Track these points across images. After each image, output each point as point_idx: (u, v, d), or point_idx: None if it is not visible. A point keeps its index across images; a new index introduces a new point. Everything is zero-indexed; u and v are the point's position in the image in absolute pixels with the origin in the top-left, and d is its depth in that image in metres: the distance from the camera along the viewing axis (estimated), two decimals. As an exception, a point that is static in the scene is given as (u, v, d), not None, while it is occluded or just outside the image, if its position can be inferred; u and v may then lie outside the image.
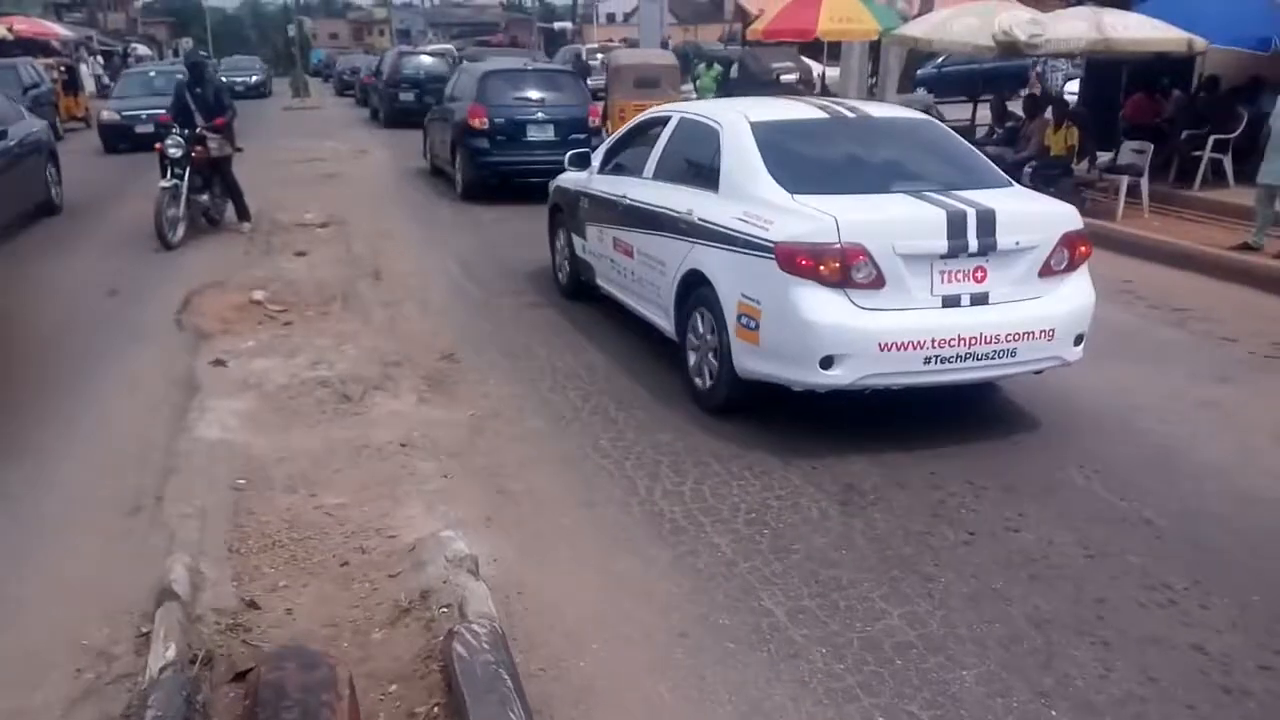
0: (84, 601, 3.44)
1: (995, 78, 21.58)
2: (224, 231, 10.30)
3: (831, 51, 20.29)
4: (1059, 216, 5.05)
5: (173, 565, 3.42)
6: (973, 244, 4.66)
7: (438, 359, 6.22)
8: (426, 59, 24.93)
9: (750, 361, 4.94)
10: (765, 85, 18.38)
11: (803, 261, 4.59)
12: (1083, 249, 5.01)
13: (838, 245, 4.55)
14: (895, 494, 4.34)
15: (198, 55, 14.18)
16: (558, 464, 4.65)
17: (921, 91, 15.15)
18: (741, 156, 5.31)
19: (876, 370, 4.66)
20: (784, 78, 18.61)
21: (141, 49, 55.41)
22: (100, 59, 37.81)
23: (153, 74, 20.84)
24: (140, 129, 17.23)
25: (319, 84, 43.53)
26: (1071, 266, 4.96)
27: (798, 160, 5.27)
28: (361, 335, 6.73)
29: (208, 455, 4.72)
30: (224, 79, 20.24)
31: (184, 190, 9.47)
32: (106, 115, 18.40)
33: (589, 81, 28.74)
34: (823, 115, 5.79)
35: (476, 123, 12.06)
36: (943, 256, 4.67)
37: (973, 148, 5.86)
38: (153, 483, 4.41)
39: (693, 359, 5.47)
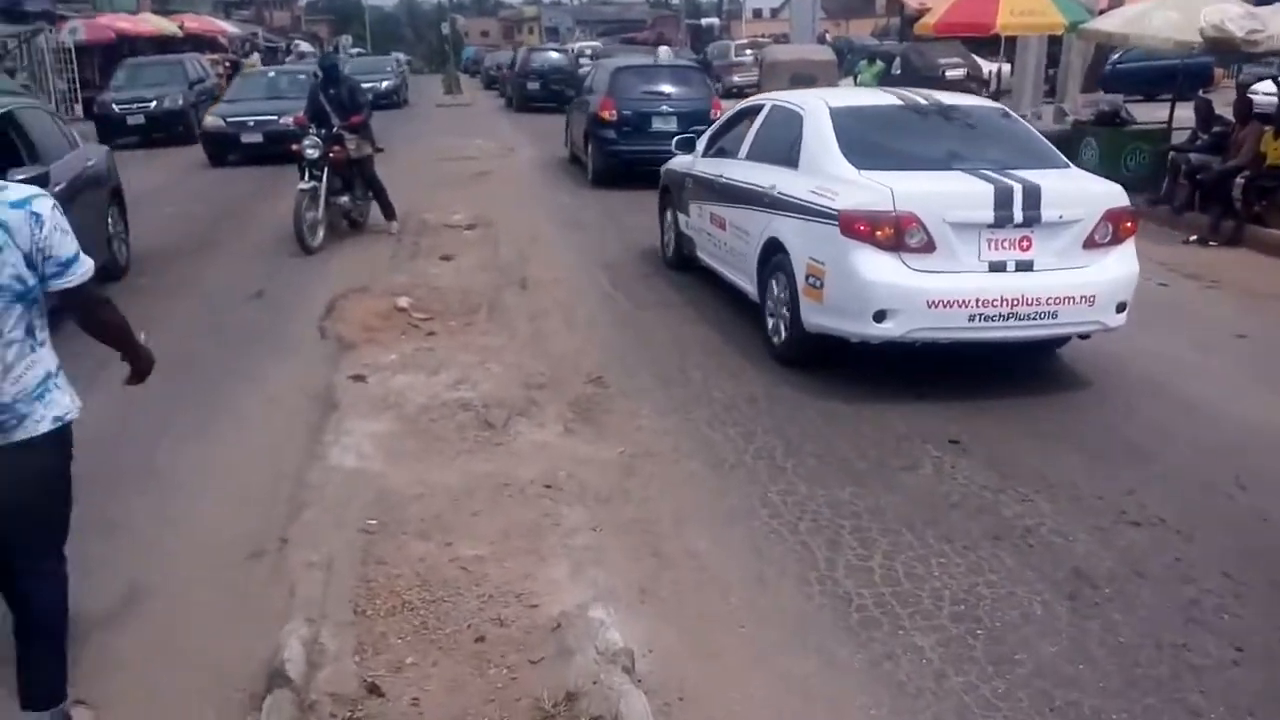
0: (189, 673, 3.06)
1: (1174, 75, 19.82)
2: (368, 234, 10.08)
3: (999, 46, 19.05)
4: (1104, 194, 5.50)
5: (287, 639, 3.00)
6: (1018, 215, 5.19)
7: (585, 381, 5.73)
8: (552, 54, 29.66)
9: (815, 316, 5.54)
10: (931, 82, 17.27)
11: (861, 227, 5.21)
12: (1127, 224, 5.46)
13: (892, 213, 5.14)
14: (1135, 587, 3.57)
15: (331, 56, 13.38)
16: (720, 521, 4.07)
17: (1103, 95, 13.89)
18: (819, 137, 5.92)
19: (925, 325, 5.20)
20: (950, 74, 17.49)
21: (304, 45, 57.68)
22: (259, 55, 39.08)
23: (271, 75, 19.50)
24: (248, 138, 15.95)
25: (468, 80, 44.12)
26: (1116, 240, 5.42)
27: (868, 141, 5.83)
28: (506, 351, 6.32)
29: (340, 488, 4.35)
30: None
31: (322, 192, 9.24)
32: (210, 122, 16.48)
33: (736, 77, 28.59)
34: (898, 103, 6.38)
35: (606, 114, 12.87)
36: (990, 226, 5.19)
37: (1036, 133, 6.33)
38: (280, 520, 4.05)
39: (770, 318, 6.10)
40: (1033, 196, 5.22)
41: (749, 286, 6.50)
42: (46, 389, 2.64)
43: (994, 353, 5.85)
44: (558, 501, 4.21)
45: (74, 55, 24.69)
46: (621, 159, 12.73)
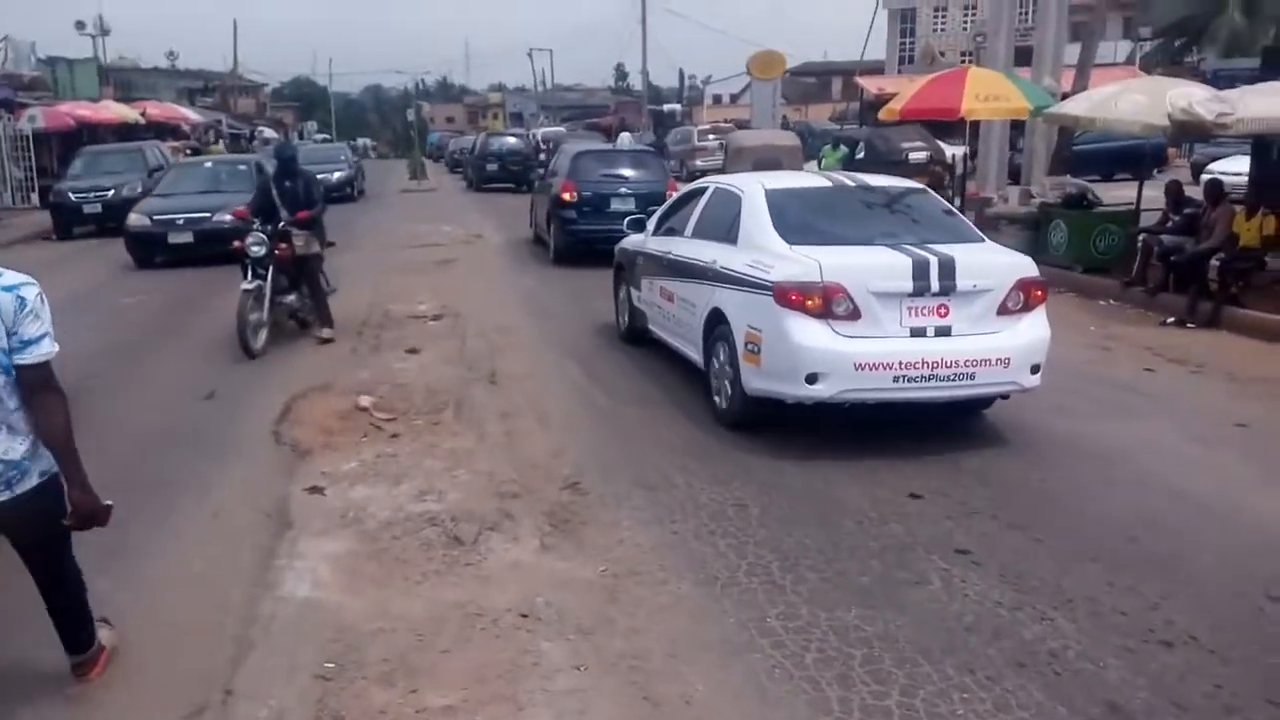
0: None
1: (1129, 156, 20.19)
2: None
3: (950, 130, 19.28)
4: (1014, 265, 6.05)
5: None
6: (935, 285, 5.66)
7: (561, 488, 5.35)
8: (509, 139, 32.30)
9: (755, 380, 5.97)
10: (894, 165, 17.35)
11: (793, 297, 5.67)
12: (1037, 292, 5.95)
13: (820, 284, 5.63)
14: (1181, 725, 3.22)
15: (289, 146, 11.85)
16: (717, 654, 3.67)
17: (1069, 177, 13.97)
18: (755, 216, 6.45)
19: (852, 386, 5.66)
20: (913, 157, 17.62)
21: (268, 132, 57.78)
22: (224, 142, 38.92)
23: (208, 165, 17.51)
24: (176, 237, 14.14)
25: (433, 166, 44.24)
26: (1027, 307, 5.90)
27: (800, 220, 6.35)
28: (476, 455, 5.93)
29: (292, 624, 3.91)
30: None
31: (267, 291, 8.61)
32: (134, 220, 14.41)
33: (699, 162, 28.86)
34: (828, 184, 7.10)
35: (567, 196, 13.61)
36: (910, 294, 5.66)
37: (953, 210, 6.94)
38: (224, 665, 3.59)
39: (714, 383, 6.56)
40: (948, 268, 5.70)
41: (695, 355, 6.96)
42: (38, 448, 3.19)
43: (928, 415, 6.25)
44: (536, 634, 3.80)
45: (31, 143, 24.36)
46: (580, 238, 13.36)
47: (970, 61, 44.39)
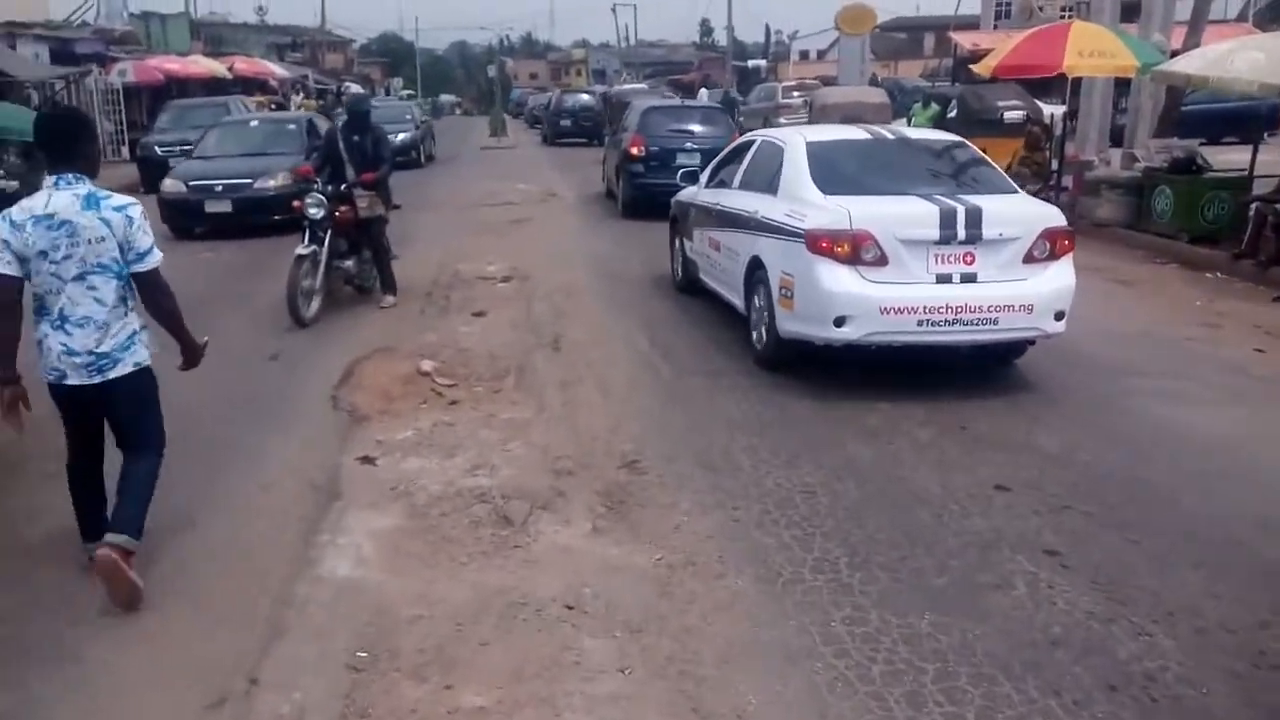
0: None
1: (1240, 118, 18.89)
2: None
3: (1048, 88, 18.27)
4: (1041, 215, 6.24)
5: None
6: (961, 234, 5.86)
7: (619, 466, 5.10)
8: (582, 97, 34.40)
9: (787, 323, 6.27)
10: (988, 125, 16.54)
11: (823, 244, 5.91)
12: (1065, 242, 6.10)
13: (850, 231, 5.86)
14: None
15: (365, 100, 11.07)
16: (776, 661, 3.38)
17: (1176, 140, 13.05)
18: (795, 167, 6.71)
19: (878, 329, 5.90)
20: (1008, 116, 16.68)
21: (355, 87, 58.14)
22: (303, 96, 39.18)
23: (253, 125, 15.92)
24: (214, 206, 12.86)
25: (514, 123, 44.11)
26: (1054, 256, 6.05)
27: (837, 171, 6.56)
28: (532, 427, 5.70)
29: (329, 607, 3.74)
30: None
31: (323, 257, 8.21)
32: (169, 186, 13.16)
33: (784, 119, 28.09)
34: (868, 137, 7.27)
35: (635, 150, 14.11)
36: (936, 242, 5.86)
37: (988, 162, 7.00)
38: (253, 650, 3.44)
39: (753, 328, 6.87)
40: (974, 217, 5.90)
41: (738, 301, 7.26)
42: (133, 343, 3.85)
43: (957, 359, 6.56)
44: (580, 629, 3.56)
45: (122, 97, 24.84)
46: (647, 191, 13.53)
47: (1072, 16, 42.36)
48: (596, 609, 3.70)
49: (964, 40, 28.85)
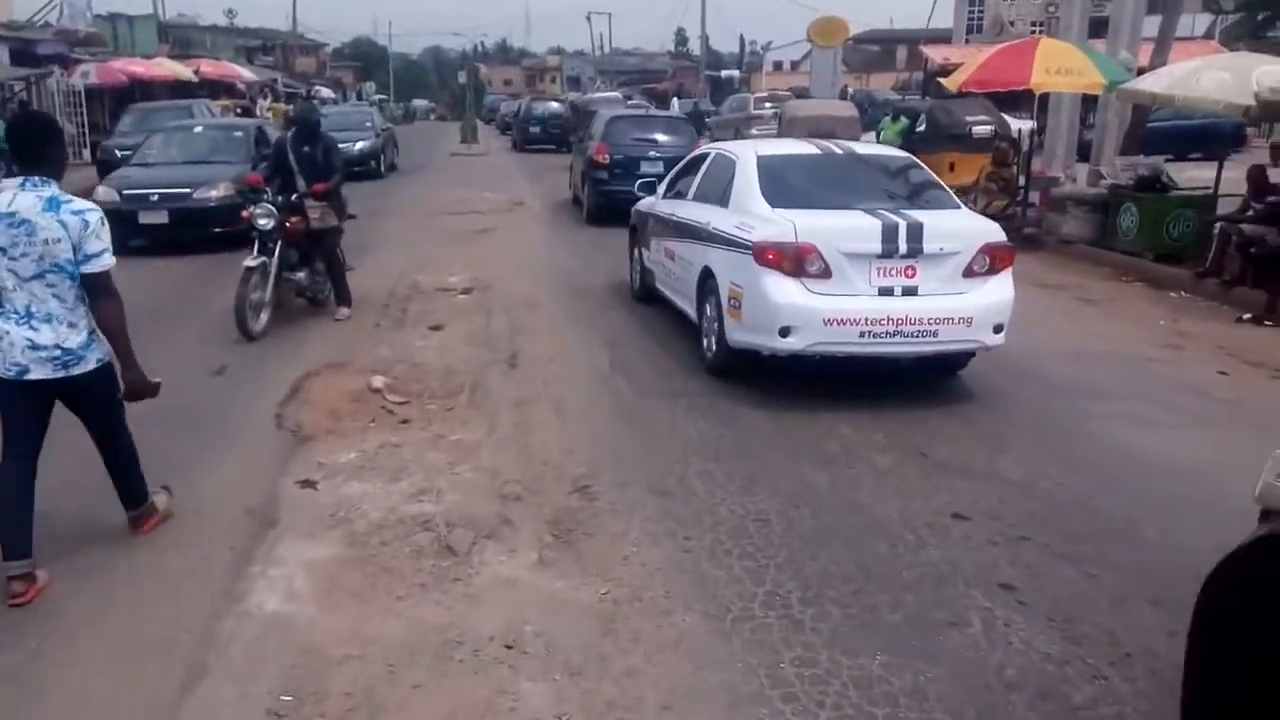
0: None
1: (1204, 136, 19.03)
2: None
3: (1015, 104, 18.33)
4: (981, 231, 6.37)
5: None
6: (903, 247, 6.00)
7: (569, 491, 4.94)
8: (551, 104, 34.95)
9: (735, 333, 6.43)
10: (956, 139, 16.59)
11: (770, 256, 6.07)
12: (1003, 256, 6.27)
13: (795, 244, 6.02)
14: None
15: (314, 110, 10.43)
16: (719, 705, 3.23)
17: (1142, 158, 13.07)
18: (746, 180, 6.85)
19: (822, 339, 6.03)
20: (976, 131, 16.72)
21: (325, 91, 57.78)
22: (270, 100, 38.72)
23: (198, 131, 14.70)
24: (148, 217, 11.76)
25: (487, 130, 43.88)
26: (993, 270, 6.20)
27: (785, 184, 6.71)
28: (482, 449, 5.53)
29: (254, 645, 3.55)
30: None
31: (273, 269, 7.96)
32: (102, 195, 11.66)
33: (755, 130, 28.09)
34: (816, 151, 7.36)
35: (600, 158, 14.44)
36: (879, 256, 6.01)
37: (933, 178, 7.11)
38: (170, 695, 3.24)
39: (704, 336, 7.02)
40: (915, 231, 6.04)
41: (691, 310, 7.40)
42: (93, 340, 4.03)
43: (901, 371, 6.69)
44: (518, 671, 3.40)
45: (84, 99, 24.40)
46: (611, 199, 13.47)
47: (1042, 32, 42.77)
48: (537, 649, 3.53)
49: (935, 54, 29.03)
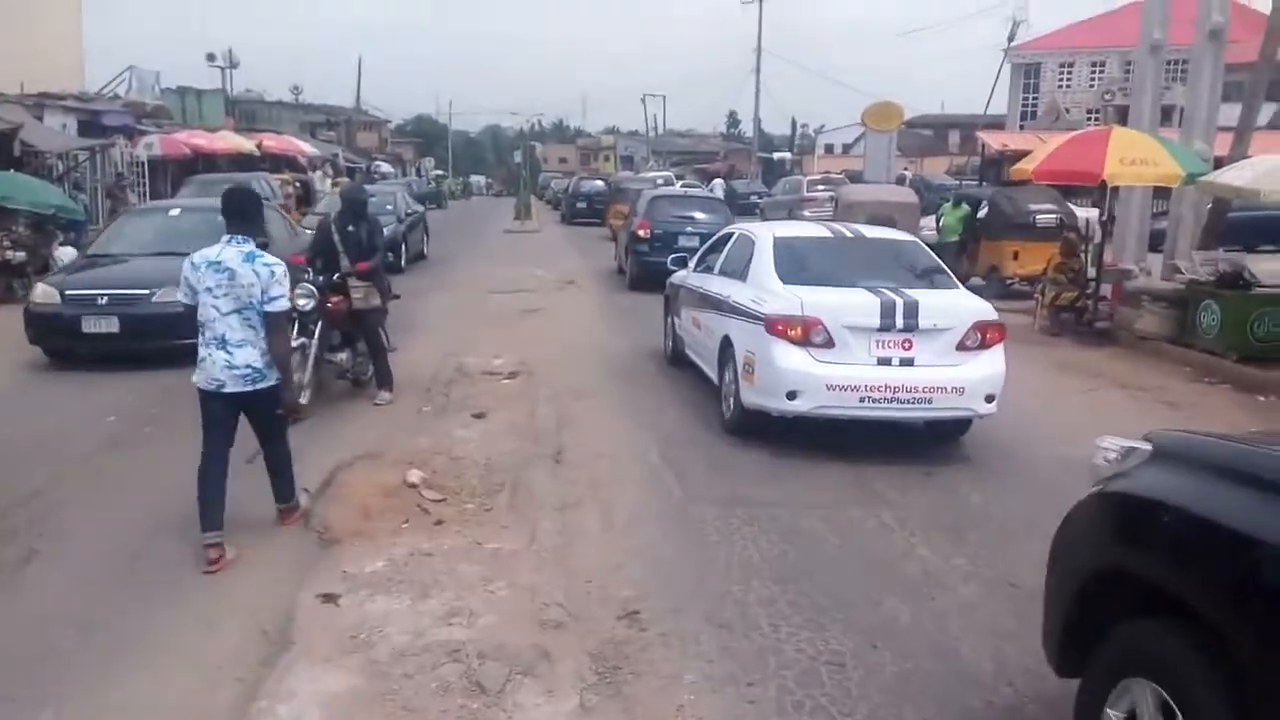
0: None
1: (1277, 227, 18.30)
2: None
3: (1074, 191, 17.79)
4: (973, 309, 6.95)
5: None
6: (899, 323, 6.59)
7: (616, 618, 4.42)
8: (596, 183, 38.62)
9: (749, 395, 7.01)
10: (1020, 229, 16.09)
11: (779, 327, 6.69)
12: (992, 333, 6.83)
13: (801, 317, 6.64)
14: None
15: (361, 190, 9.78)
16: None
17: (1221, 253, 12.46)
18: (762, 259, 7.56)
19: (825, 403, 6.61)
20: (1041, 220, 16.22)
21: (384, 166, 58.99)
22: (332, 172, 39.33)
23: (173, 214, 11.68)
24: (93, 325, 9.44)
25: (541, 206, 44.33)
26: (984, 345, 6.77)
27: (798, 263, 7.40)
28: (521, 562, 5.04)
29: (248, 809, 3.06)
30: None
31: (313, 351, 7.69)
32: (40, 295, 9.85)
33: (808, 213, 27.87)
34: (829, 234, 8.24)
35: (642, 232, 16.14)
36: (877, 329, 6.60)
37: (935, 260, 7.75)
38: None
39: (723, 399, 7.61)
40: (911, 308, 6.67)
41: (713, 374, 8.00)
42: (272, 364, 5.06)
43: (900, 434, 7.21)
44: None
45: (147, 170, 24.86)
46: (650, 268, 14.63)
47: (1097, 120, 42.37)
48: (574, 829, 3.00)
49: (993, 140, 28.66)
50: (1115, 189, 14.39)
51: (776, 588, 4.73)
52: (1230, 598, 2.47)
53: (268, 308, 4.95)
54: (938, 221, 17.42)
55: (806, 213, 27.14)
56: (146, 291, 9.55)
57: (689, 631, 4.30)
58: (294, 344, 7.42)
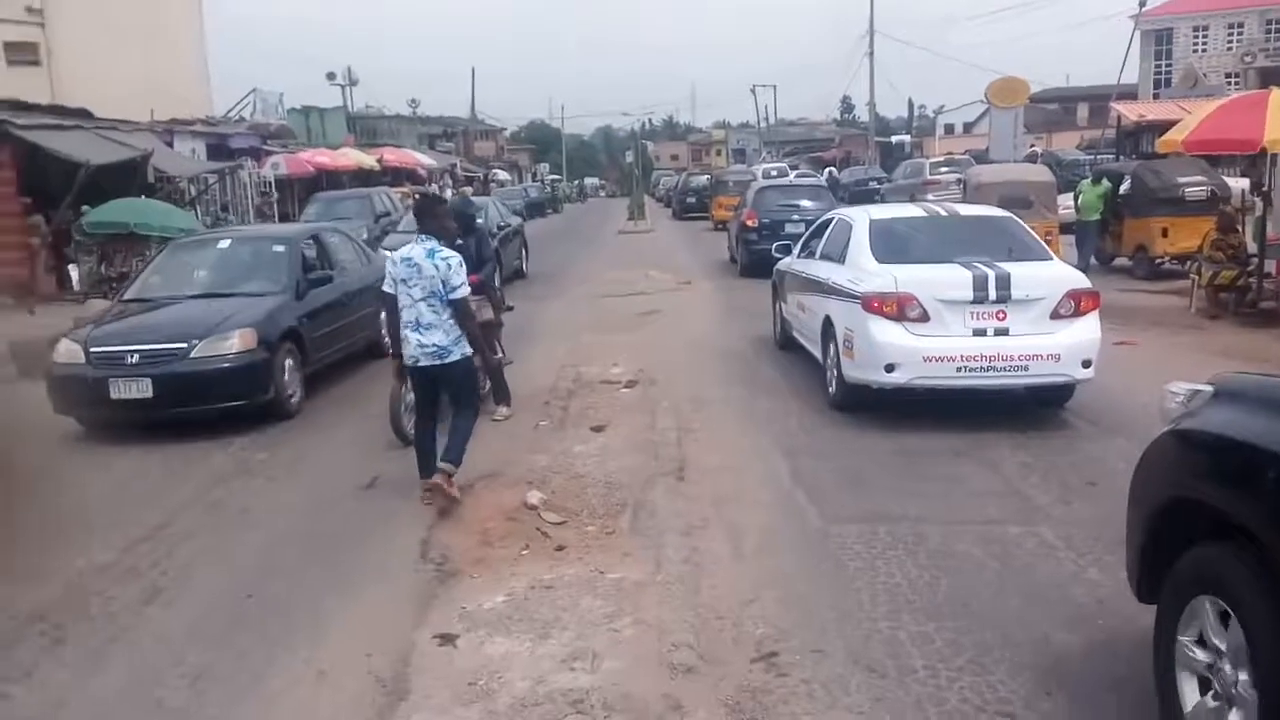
0: None
1: None
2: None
3: (1217, 161, 16.42)
4: (1066, 279, 7.27)
5: None
6: (992, 295, 6.96)
7: (752, 661, 4.03)
8: (702, 178, 40.31)
9: (850, 370, 7.45)
10: (1168, 204, 14.93)
11: (874, 304, 7.12)
12: (1086, 301, 7.13)
13: (895, 294, 7.06)
14: None
15: (470, 203, 9.43)
16: None
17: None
18: (859, 240, 7.90)
19: (922, 374, 7.02)
20: (1190, 193, 15.02)
21: (502, 174, 59.94)
22: (450, 182, 40.04)
23: (222, 247, 9.98)
24: (123, 390, 7.71)
25: (653, 204, 44.22)
26: (1079, 313, 7.09)
27: (892, 242, 7.75)
28: (646, 595, 4.69)
29: None
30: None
31: None
32: (63, 354, 8.11)
33: (930, 197, 26.75)
34: (923, 214, 8.56)
35: (750, 222, 17.18)
36: (971, 302, 6.97)
37: (1028, 233, 7.94)
38: None
39: (827, 374, 8.02)
40: (1004, 281, 6.96)
41: (817, 353, 8.48)
42: (460, 341, 5.95)
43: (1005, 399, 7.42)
44: None
45: (274, 188, 25.65)
46: (759, 257, 15.09)
47: (1238, 85, 39.53)
48: None
49: (1128, 111, 26.91)
50: (1275, 156, 13.19)
51: (931, 624, 4.25)
52: (1275, 516, 2.70)
53: (451, 296, 5.84)
54: (1076, 199, 16.34)
55: (930, 197, 26.08)
56: (184, 345, 7.86)
57: (834, 677, 3.87)
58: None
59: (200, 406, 7.87)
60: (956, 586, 4.62)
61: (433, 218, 6.11)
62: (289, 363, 8.52)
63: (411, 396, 7.40)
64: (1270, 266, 12.00)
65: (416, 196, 27.36)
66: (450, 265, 5.82)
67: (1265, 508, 2.73)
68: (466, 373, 6.08)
